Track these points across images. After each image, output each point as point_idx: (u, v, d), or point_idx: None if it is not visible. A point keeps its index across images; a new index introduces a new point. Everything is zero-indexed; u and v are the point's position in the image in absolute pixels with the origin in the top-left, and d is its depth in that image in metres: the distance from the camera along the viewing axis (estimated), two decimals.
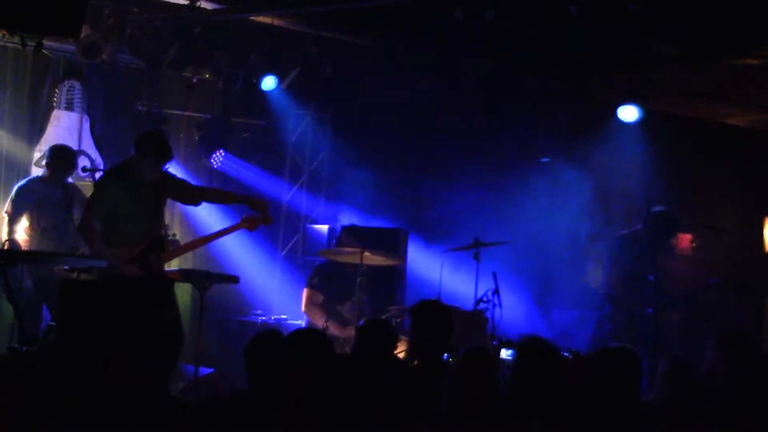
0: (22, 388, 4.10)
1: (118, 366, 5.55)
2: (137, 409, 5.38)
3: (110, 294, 7.68)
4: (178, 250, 9.17)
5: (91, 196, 8.80)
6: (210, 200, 9.44)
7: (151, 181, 8.70)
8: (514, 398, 5.84)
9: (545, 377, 5.80)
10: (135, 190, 8.64)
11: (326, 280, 10.56)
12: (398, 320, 9.61)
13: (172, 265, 9.24)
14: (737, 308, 11.88)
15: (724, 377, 7.11)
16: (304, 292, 10.61)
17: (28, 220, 9.85)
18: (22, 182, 10.13)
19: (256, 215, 9.09)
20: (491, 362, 6.16)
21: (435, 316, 7.20)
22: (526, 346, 6.06)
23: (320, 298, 10.49)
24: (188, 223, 11.68)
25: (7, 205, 9.93)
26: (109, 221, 8.59)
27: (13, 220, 9.86)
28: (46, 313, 9.68)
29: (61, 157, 10.09)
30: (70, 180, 10.34)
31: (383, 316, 9.68)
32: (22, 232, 9.83)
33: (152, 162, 8.67)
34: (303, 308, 10.57)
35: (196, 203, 9.38)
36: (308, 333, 6.30)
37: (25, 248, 9.65)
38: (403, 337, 9.06)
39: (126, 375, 5.49)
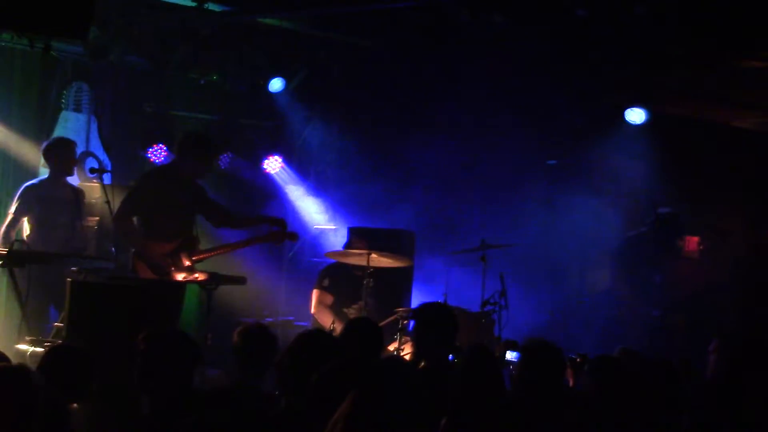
0: (30, 388, 4.11)
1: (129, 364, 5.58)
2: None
3: (118, 295, 7.75)
4: (206, 252, 9.30)
5: (131, 189, 9.10)
6: (234, 227, 9.70)
7: (189, 185, 9.06)
8: (518, 399, 5.87)
9: (547, 379, 5.83)
10: (174, 191, 9.03)
11: (335, 281, 10.57)
12: (404, 322, 9.62)
13: None
14: (743, 310, 11.89)
15: (726, 379, 7.12)
16: (314, 294, 10.62)
17: (35, 219, 9.83)
18: (28, 183, 10.10)
19: (282, 231, 9.37)
20: (493, 360, 6.20)
21: (437, 318, 7.21)
22: (530, 348, 6.08)
23: (330, 299, 10.50)
24: (206, 229, 11.66)
25: (14, 205, 9.90)
26: (146, 216, 8.94)
27: (18, 220, 9.84)
28: (53, 314, 9.69)
29: (60, 149, 9.97)
30: (76, 181, 10.34)
31: (390, 318, 9.70)
32: (29, 232, 9.82)
33: (194, 164, 9.07)
34: (312, 310, 10.58)
35: (220, 226, 9.75)
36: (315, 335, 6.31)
37: (33, 248, 9.65)
38: (410, 339, 9.10)
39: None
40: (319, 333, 6.45)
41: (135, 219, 9.06)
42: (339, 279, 10.56)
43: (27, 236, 9.73)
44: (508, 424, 4.56)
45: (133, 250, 8.93)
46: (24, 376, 4.15)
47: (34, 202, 9.82)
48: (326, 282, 10.60)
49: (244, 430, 4.80)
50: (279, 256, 12.87)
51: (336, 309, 10.38)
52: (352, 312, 10.29)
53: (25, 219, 9.80)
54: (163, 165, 10.09)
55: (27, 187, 9.95)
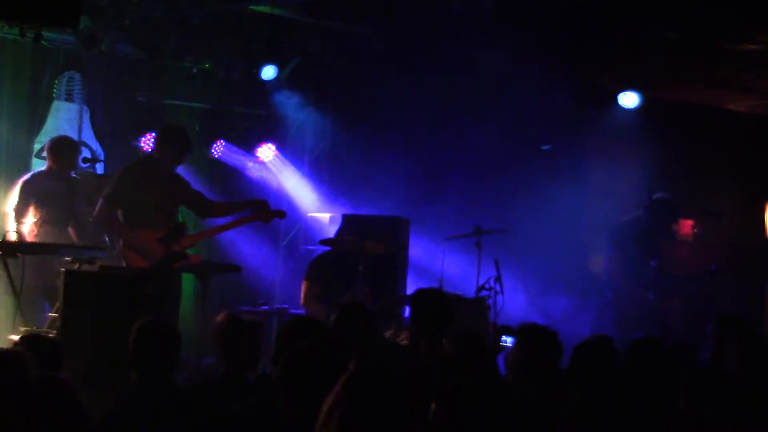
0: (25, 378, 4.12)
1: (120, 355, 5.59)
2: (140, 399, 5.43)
3: (113, 285, 7.74)
4: (196, 236, 9.36)
5: (109, 185, 9.09)
6: (217, 215, 9.83)
7: (169, 176, 9.19)
8: (514, 383, 5.86)
9: (543, 363, 5.83)
10: (153, 182, 9.07)
11: (324, 271, 10.55)
12: (399, 308, 9.62)
13: None
14: (738, 293, 11.90)
15: (726, 361, 7.13)
16: (303, 285, 10.61)
17: (32, 214, 9.85)
18: (26, 177, 10.09)
19: (268, 210, 9.45)
20: (482, 344, 6.20)
21: (432, 304, 7.23)
22: (525, 332, 6.07)
23: (319, 290, 10.49)
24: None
25: (14, 201, 9.92)
26: (128, 209, 9.01)
27: (19, 215, 9.85)
28: (48, 304, 9.68)
29: (65, 149, 10.06)
30: (72, 173, 10.33)
31: (382, 304, 9.71)
32: (26, 226, 9.83)
33: (171, 155, 9.16)
34: (302, 302, 10.56)
35: (204, 216, 9.93)
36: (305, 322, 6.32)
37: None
38: (404, 326, 9.11)
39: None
40: (307, 319, 6.46)
41: (118, 212, 9.08)
42: (328, 269, 10.55)
43: (24, 230, 9.76)
44: (504, 408, 4.54)
45: (122, 241, 8.96)
46: (18, 360, 4.16)
47: (32, 197, 9.85)
48: (314, 273, 10.60)
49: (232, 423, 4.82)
50: (274, 245, 12.87)
51: (327, 299, 10.37)
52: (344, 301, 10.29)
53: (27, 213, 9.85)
54: (140, 158, 10.17)
55: (24, 182, 9.96)
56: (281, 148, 12.92)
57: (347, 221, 10.96)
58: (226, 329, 6.16)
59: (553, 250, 12.73)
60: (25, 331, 8.04)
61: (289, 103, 12.85)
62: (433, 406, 4.12)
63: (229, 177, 12.49)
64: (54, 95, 11.20)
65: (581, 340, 6.26)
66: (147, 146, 11.05)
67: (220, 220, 10.24)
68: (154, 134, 10.89)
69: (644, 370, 6.01)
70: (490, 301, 10.34)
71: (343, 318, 6.77)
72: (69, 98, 11.33)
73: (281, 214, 9.69)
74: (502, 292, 10.35)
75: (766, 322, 11.86)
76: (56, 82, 11.20)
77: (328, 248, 10.73)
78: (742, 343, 6.80)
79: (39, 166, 10.46)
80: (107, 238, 9.68)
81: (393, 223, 11.52)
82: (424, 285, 8.80)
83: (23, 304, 8.67)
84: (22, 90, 10.91)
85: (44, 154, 10.24)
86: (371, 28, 11.84)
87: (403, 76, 12.17)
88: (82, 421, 4.46)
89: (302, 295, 10.56)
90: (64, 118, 11.25)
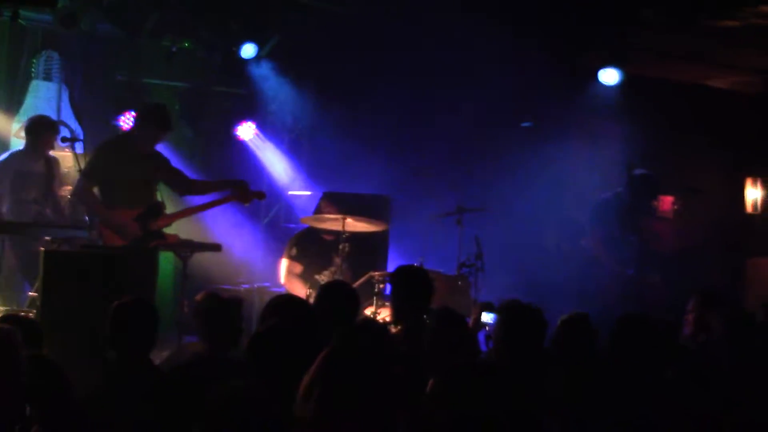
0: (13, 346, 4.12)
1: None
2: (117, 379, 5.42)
3: (92, 264, 7.72)
4: (174, 215, 9.34)
5: (87, 162, 9.09)
6: (197, 193, 9.85)
7: (148, 154, 9.15)
8: (497, 361, 5.87)
9: (528, 340, 5.83)
10: (132, 160, 9.06)
11: (304, 249, 10.54)
12: (381, 286, 9.62)
13: None
14: (719, 269, 11.94)
15: (707, 336, 7.16)
16: (282, 264, 10.58)
17: (9, 194, 9.81)
18: (4, 156, 10.08)
19: (247, 191, 9.42)
20: (461, 321, 6.21)
21: (413, 280, 7.24)
22: (508, 309, 6.06)
23: (299, 268, 10.47)
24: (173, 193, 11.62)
25: None
26: (106, 187, 9.01)
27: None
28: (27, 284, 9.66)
29: (43, 129, 10.03)
30: (50, 153, 10.29)
31: (362, 279, 9.71)
32: (5, 205, 9.81)
33: (151, 133, 9.11)
34: (282, 280, 10.54)
35: (183, 193, 9.86)
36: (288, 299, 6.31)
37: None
38: (386, 303, 9.12)
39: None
40: (291, 297, 6.45)
41: (96, 190, 9.07)
42: (308, 246, 10.54)
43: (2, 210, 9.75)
44: (489, 385, 4.56)
45: (99, 218, 8.95)
46: (5, 335, 4.16)
47: (9, 177, 9.82)
48: (294, 251, 10.58)
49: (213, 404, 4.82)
50: (254, 223, 12.85)
51: (306, 277, 10.36)
52: (324, 278, 10.28)
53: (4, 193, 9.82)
54: (118, 135, 10.15)
55: (2, 162, 9.99)
56: (261, 126, 12.88)
57: (327, 198, 10.94)
58: (207, 307, 6.16)
59: (534, 227, 12.74)
60: (5, 310, 8.03)
61: (268, 82, 12.80)
62: (431, 382, 4.11)
63: (210, 156, 12.45)
64: (32, 74, 11.15)
65: (562, 318, 6.26)
66: (126, 125, 10.98)
67: (199, 200, 10.23)
68: (132, 112, 10.88)
69: (630, 347, 6.00)
70: (472, 278, 10.35)
71: (325, 296, 6.76)
72: (47, 77, 11.28)
73: (261, 195, 9.68)
74: (483, 269, 10.36)
75: (747, 298, 11.92)
76: (34, 61, 11.14)
77: (302, 228, 10.72)
78: (724, 320, 6.82)
79: (17, 145, 10.42)
80: (87, 217, 9.65)
81: (374, 201, 11.52)
82: (405, 263, 8.80)
83: (2, 283, 8.66)
84: (0, 69, 10.85)
85: (22, 133, 10.20)
86: (350, 6, 11.80)
87: (382, 55, 12.13)
88: (68, 399, 4.46)
89: (282, 274, 10.54)
90: (42, 98, 11.20)
